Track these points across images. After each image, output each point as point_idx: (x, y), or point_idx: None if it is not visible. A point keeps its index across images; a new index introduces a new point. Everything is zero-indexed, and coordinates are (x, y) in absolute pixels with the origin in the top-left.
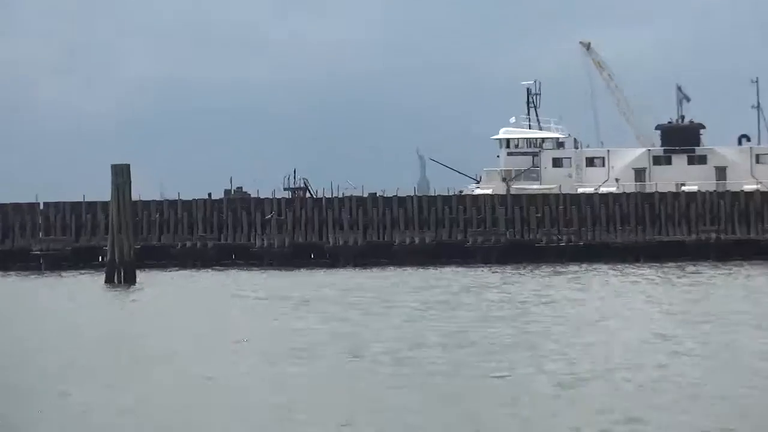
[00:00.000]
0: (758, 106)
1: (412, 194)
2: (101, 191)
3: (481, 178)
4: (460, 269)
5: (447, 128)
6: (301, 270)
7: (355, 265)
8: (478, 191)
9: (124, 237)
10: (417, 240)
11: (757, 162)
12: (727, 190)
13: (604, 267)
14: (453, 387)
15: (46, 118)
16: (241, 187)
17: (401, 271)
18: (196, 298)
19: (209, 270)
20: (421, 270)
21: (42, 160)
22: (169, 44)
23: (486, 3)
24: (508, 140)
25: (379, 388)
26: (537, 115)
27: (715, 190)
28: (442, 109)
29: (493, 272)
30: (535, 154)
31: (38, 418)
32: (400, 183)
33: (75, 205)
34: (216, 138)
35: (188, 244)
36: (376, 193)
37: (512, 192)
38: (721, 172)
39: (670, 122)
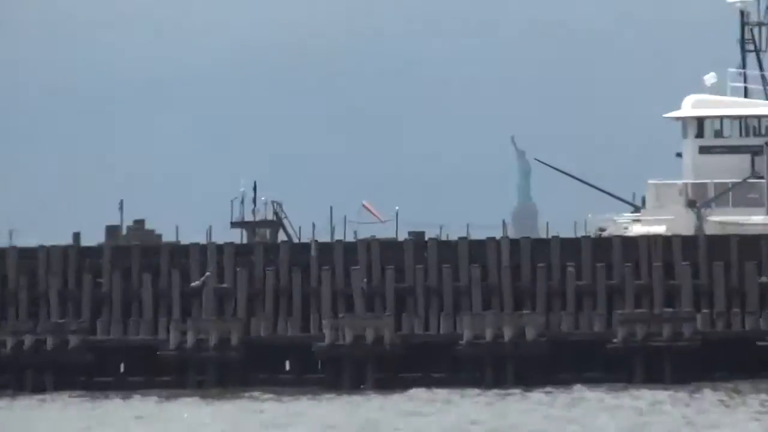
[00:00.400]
0: None
1: (499, 235)
2: None
3: (643, 200)
4: (599, 395)
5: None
6: (265, 396)
7: (377, 386)
8: (637, 229)
9: None
10: (508, 333)
11: None
12: None
13: None
14: None
15: None
16: (142, 221)
17: (474, 401)
18: None
19: (71, 395)
20: (520, 396)
21: None
22: None
23: None
24: (700, 121)
25: None
26: (761, 69)
27: None
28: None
29: (668, 398)
30: (757, 151)
31: None
32: (475, 211)
33: None
34: (97, 126)
35: (28, 340)
36: (423, 233)
37: (709, 231)
38: None
39: None
